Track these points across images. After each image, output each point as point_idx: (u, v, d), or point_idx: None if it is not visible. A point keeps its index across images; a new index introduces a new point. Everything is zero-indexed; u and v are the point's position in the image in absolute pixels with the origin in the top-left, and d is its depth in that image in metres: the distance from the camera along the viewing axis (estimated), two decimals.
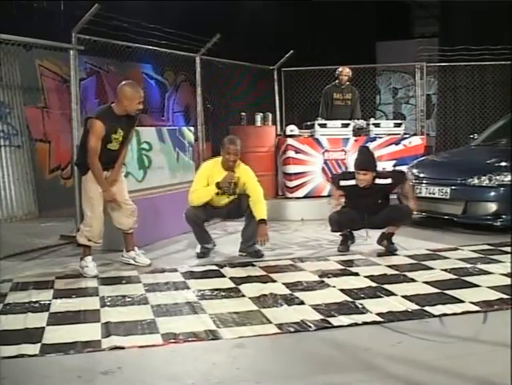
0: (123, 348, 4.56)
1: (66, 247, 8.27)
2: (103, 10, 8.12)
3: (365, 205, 7.59)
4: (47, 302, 5.71)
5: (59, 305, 5.65)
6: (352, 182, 7.68)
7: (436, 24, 17.21)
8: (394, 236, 7.79)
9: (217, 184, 7.39)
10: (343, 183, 7.86)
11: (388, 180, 7.69)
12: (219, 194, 7.49)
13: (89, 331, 4.91)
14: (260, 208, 7.45)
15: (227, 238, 8.67)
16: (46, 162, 11.76)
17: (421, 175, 9.52)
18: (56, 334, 4.86)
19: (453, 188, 8.87)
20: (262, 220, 7.37)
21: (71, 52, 8.27)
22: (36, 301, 5.72)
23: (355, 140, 11.08)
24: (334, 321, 5.05)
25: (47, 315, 5.34)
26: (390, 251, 7.64)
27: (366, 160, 7.69)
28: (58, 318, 5.27)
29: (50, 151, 11.82)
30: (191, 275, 6.66)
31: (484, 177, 8.69)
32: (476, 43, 12.94)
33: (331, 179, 8.71)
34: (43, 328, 5.00)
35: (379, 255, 7.48)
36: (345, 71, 11.79)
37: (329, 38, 15.74)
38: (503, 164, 8.97)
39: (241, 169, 7.59)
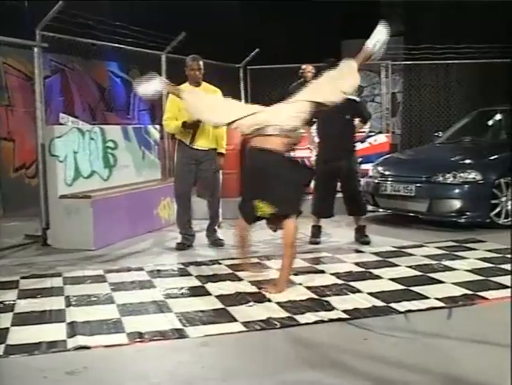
0: (88, 348, 4.53)
1: (31, 246, 8.21)
2: (67, 8, 8.05)
3: (336, 121, 7.87)
4: (12, 302, 5.65)
5: (24, 305, 5.60)
6: None
7: (401, 22, 17.31)
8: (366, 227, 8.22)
9: (183, 124, 7.71)
10: None
11: (356, 98, 8.26)
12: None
13: (54, 331, 4.88)
14: (220, 134, 7.94)
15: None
16: (10, 161, 11.63)
17: (386, 172, 9.58)
18: (21, 335, 4.81)
19: (418, 185, 8.93)
20: (221, 154, 8.02)
21: (35, 50, 8.20)
22: (0, 302, 5.67)
23: None
24: (300, 318, 5.07)
25: (12, 316, 5.29)
26: (364, 243, 7.92)
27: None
28: (23, 319, 5.22)
29: (15, 149, 11.70)
30: (157, 274, 6.63)
31: (448, 174, 8.76)
32: (440, 42, 13.06)
33: None
34: (8, 329, 4.95)
35: (347, 252, 7.53)
36: (308, 69, 11.82)
37: (295, 36, 15.75)
38: (467, 161, 9.07)
39: (208, 87, 7.91)
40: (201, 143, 7.82)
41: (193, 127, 7.70)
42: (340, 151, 7.94)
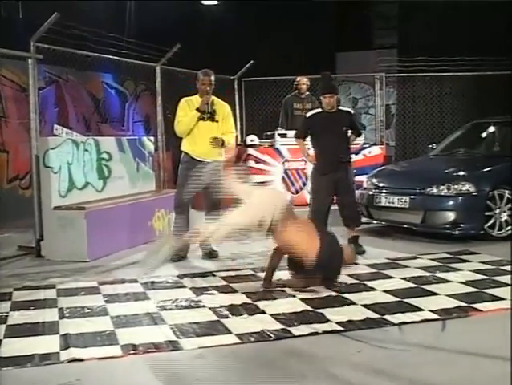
0: (82, 360, 4.51)
1: (24, 258, 8.17)
2: (62, 19, 8.06)
3: (335, 132, 8.03)
4: (5, 315, 5.62)
5: (17, 317, 5.57)
6: (319, 110, 8.27)
7: (395, 35, 17.40)
8: (359, 238, 8.25)
9: (197, 109, 7.83)
10: (309, 114, 8.40)
11: (351, 110, 8.54)
12: (200, 118, 7.89)
13: (47, 343, 4.85)
14: (228, 138, 7.97)
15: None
16: (4, 172, 11.61)
17: (381, 184, 9.58)
18: (14, 347, 4.79)
19: (412, 197, 8.94)
20: None
21: (30, 61, 8.19)
22: None
23: None
24: (294, 330, 5.06)
25: (5, 327, 5.26)
26: (358, 253, 7.83)
27: (330, 83, 8.31)
28: (16, 331, 5.19)
29: (9, 160, 11.68)
30: (151, 286, 6.61)
31: (442, 186, 8.77)
32: (434, 54, 13.11)
33: (295, 134, 8.96)
34: (0, 341, 4.93)
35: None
36: (302, 81, 11.87)
37: (290, 49, 15.82)
38: (461, 173, 9.08)
39: (217, 102, 8.09)
40: (206, 155, 7.85)
41: (206, 103, 7.85)
42: (338, 162, 7.98)
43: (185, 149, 7.98)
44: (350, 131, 8.26)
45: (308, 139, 8.45)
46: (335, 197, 8.14)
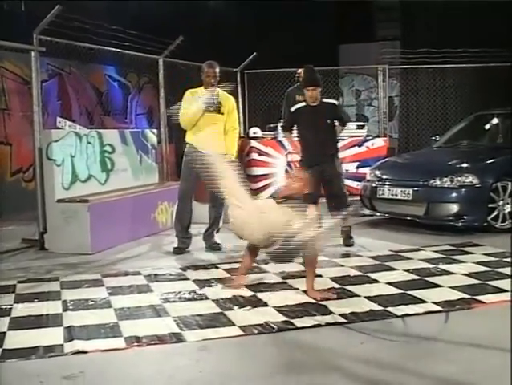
0: (86, 352, 4.52)
1: (28, 251, 8.18)
2: (65, 11, 8.05)
3: (318, 125, 8.00)
4: (9, 307, 5.64)
5: (21, 309, 5.58)
6: (302, 104, 8.23)
7: (398, 27, 17.36)
8: (352, 229, 8.26)
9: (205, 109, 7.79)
10: (294, 108, 8.34)
11: (335, 102, 8.44)
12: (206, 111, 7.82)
13: (51, 336, 4.86)
14: (231, 141, 7.97)
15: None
16: (7, 165, 11.62)
17: (384, 176, 9.58)
18: (18, 339, 4.80)
19: (416, 189, 8.94)
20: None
21: (33, 54, 8.18)
22: None
23: None
24: (297, 322, 5.07)
25: (9, 320, 5.28)
26: (348, 245, 7.93)
27: (313, 76, 8.15)
28: (20, 323, 5.20)
29: (12, 153, 11.69)
30: (154, 278, 6.62)
31: (445, 178, 8.77)
32: (437, 46, 13.08)
33: (281, 127, 8.91)
34: (4, 333, 4.94)
35: (344, 256, 7.53)
36: None
37: (292, 41, 15.78)
38: (464, 165, 9.07)
39: (223, 93, 8.03)
40: (211, 146, 7.84)
41: (211, 97, 7.83)
42: (322, 155, 7.96)
43: (190, 140, 7.94)
44: (336, 122, 8.24)
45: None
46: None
